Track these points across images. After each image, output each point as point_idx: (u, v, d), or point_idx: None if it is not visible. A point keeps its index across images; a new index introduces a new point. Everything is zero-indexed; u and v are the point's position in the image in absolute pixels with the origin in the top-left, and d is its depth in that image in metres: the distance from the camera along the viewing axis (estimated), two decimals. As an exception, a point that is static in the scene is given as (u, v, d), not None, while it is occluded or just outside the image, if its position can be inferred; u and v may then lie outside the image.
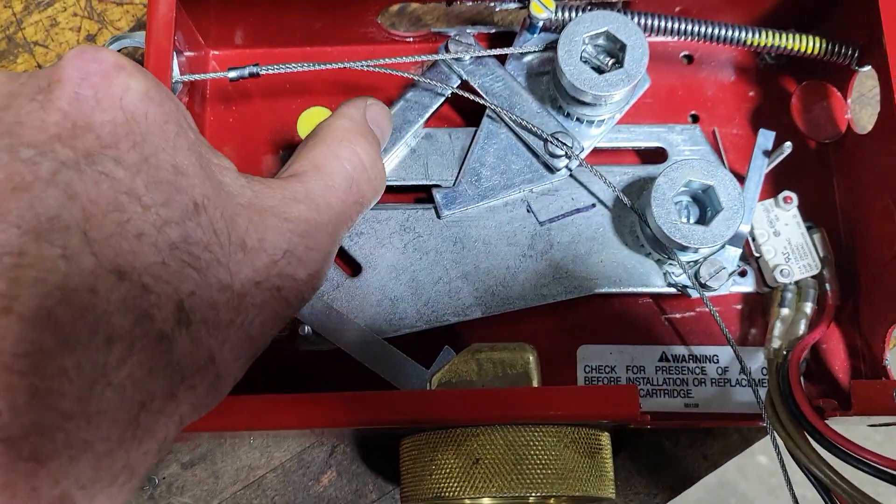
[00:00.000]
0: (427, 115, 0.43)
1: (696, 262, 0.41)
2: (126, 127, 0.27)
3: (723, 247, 0.40)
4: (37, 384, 0.22)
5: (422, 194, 0.45)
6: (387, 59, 0.42)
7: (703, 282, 0.40)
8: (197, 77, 0.42)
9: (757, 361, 0.43)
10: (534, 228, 0.43)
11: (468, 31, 0.46)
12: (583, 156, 0.43)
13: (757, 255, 0.42)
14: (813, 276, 0.42)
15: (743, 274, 0.42)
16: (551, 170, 0.42)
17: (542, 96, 0.43)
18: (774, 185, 0.45)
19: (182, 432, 0.28)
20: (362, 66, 0.42)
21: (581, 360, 0.44)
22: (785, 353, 0.40)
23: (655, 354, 0.44)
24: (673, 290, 0.42)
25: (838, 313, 0.42)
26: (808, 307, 0.41)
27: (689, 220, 0.41)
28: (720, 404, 0.43)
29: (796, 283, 0.42)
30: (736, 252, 0.41)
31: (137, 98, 0.27)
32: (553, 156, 0.42)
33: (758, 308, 0.44)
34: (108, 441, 0.23)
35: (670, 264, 0.41)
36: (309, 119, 0.39)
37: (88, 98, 0.26)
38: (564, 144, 0.41)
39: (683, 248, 0.39)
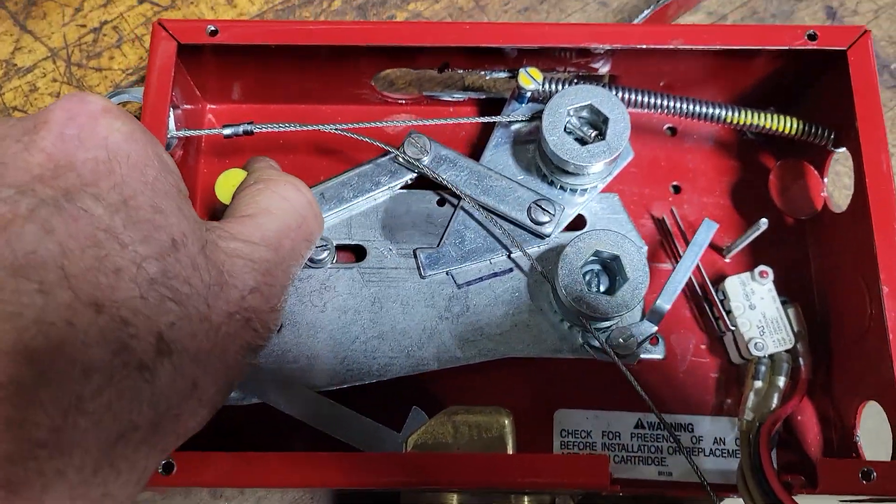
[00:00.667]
0: (361, 199, 0.44)
1: (606, 328, 0.41)
2: (108, 166, 0.28)
3: (642, 320, 0.41)
4: (11, 415, 0.23)
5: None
6: (361, 124, 0.43)
7: (614, 348, 0.41)
8: (192, 133, 0.43)
9: (728, 431, 0.44)
10: (452, 291, 0.44)
11: (459, 97, 0.48)
12: (565, 223, 0.44)
13: (732, 327, 0.43)
14: (787, 350, 0.42)
15: (654, 342, 0.42)
16: (541, 236, 0.43)
17: (527, 164, 0.45)
18: (751, 258, 0.46)
19: (151, 486, 0.28)
20: (351, 131, 0.43)
21: (558, 424, 0.44)
22: (758, 425, 0.41)
23: (631, 421, 0.44)
24: (583, 356, 0.42)
25: (811, 384, 0.43)
26: (781, 381, 0.42)
27: (598, 288, 0.42)
28: (693, 474, 0.43)
29: (770, 356, 0.42)
30: (651, 326, 0.41)
31: (122, 138, 0.29)
32: (537, 222, 0.43)
33: (732, 378, 0.45)
34: (82, 470, 0.24)
35: (580, 329, 0.42)
36: (227, 181, 0.40)
37: (72, 137, 0.28)
38: (547, 212, 0.43)
39: (591, 317, 0.40)
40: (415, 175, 0.44)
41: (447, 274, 0.44)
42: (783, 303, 0.43)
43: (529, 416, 0.44)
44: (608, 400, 0.44)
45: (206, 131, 0.43)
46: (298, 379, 0.42)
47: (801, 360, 0.42)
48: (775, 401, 0.42)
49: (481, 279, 0.44)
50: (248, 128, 0.43)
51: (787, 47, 0.41)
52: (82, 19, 0.53)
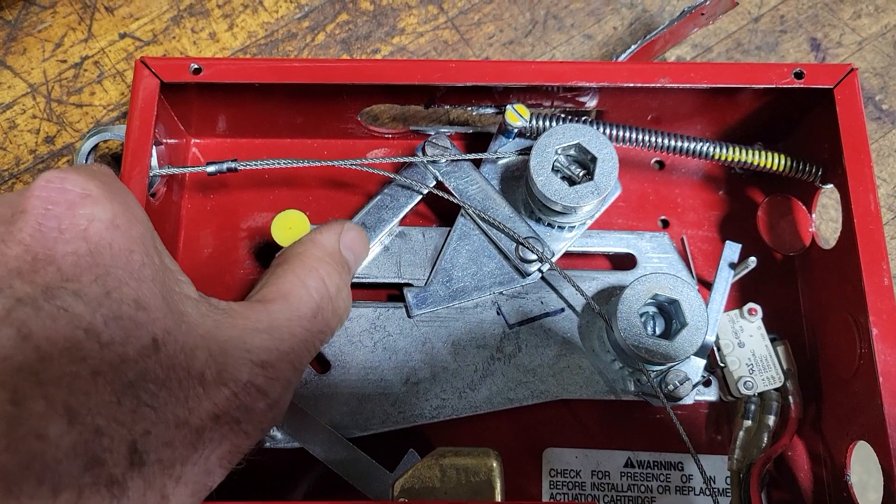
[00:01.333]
0: (402, 215, 0.44)
1: (660, 371, 0.41)
2: (90, 259, 0.26)
3: (688, 357, 0.41)
4: None
5: (394, 291, 0.45)
6: (366, 159, 0.43)
7: (667, 392, 0.40)
8: (175, 171, 0.42)
9: (718, 469, 0.43)
10: (503, 331, 0.43)
11: (444, 131, 0.47)
12: (553, 260, 0.43)
13: (722, 364, 0.43)
14: (776, 389, 0.42)
15: (707, 384, 0.43)
16: (522, 274, 0.43)
17: (515, 200, 0.44)
18: (740, 295, 0.46)
19: None
20: (341, 164, 0.43)
21: (546, 464, 0.44)
22: (748, 465, 0.41)
23: (621, 460, 0.44)
24: (637, 398, 0.42)
25: (800, 422, 0.43)
26: (771, 420, 0.42)
27: (654, 330, 0.41)
28: (683, 513, 0.43)
29: (760, 394, 0.42)
30: (701, 363, 0.41)
31: (103, 227, 0.27)
32: (524, 260, 0.42)
33: (723, 415, 0.44)
34: None
35: (635, 372, 0.42)
36: (283, 222, 0.40)
37: (52, 229, 0.26)
38: (535, 250, 0.42)
39: (648, 361, 0.40)
40: (428, 189, 0.44)
41: (498, 314, 0.43)
42: (772, 340, 0.43)
43: (518, 455, 0.43)
44: (598, 438, 0.44)
45: (190, 169, 0.42)
46: (349, 421, 0.41)
47: (790, 398, 0.42)
48: (765, 440, 0.41)
49: (533, 319, 0.43)
50: (232, 165, 0.42)
51: (773, 85, 0.41)
52: (63, 55, 0.52)
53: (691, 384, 0.40)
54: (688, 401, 0.41)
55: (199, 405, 0.28)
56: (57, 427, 0.23)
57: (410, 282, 0.44)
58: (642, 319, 0.40)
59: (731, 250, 0.43)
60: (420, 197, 0.44)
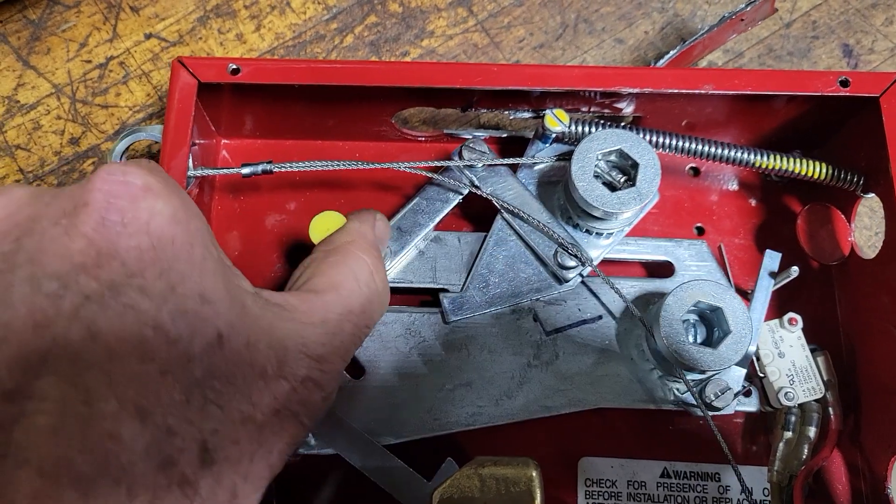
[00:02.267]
0: (437, 219, 0.43)
1: (701, 380, 0.41)
2: (153, 254, 0.26)
3: (729, 366, 0.40)
4: None
5: (427, 297, 0.45)
6: (402, 165, 0.42)
7: (708, 401, 0.40)
8: (211, 172, 0.41)
9: (756, 480, 0.43)
10: (539, 338, 0.43)
11: (480, 135, 0.47)
12: (588, 271, 0.43)
13: (761, 374, 0.42)
14: (816, 400, 0.42)
15: (748, 394, 0.42)
16: (560, 280, 0.42)
17: (552, 206, 0.44)
18: (779, 305, 0.45)
19: None
20: (379, 166, 0.42)
21: (582, 473, 0.43)
22: (789, 477, 0.40)
23: (657, 470, 0.43)
24: (676, 407, 0.41)
25: (840, 434, 0.42)
26: (812, 431, 0.41)
27: (695, 338, 0.41)
28: (721, 526, 0.42)
29: (800, 405, 0.42)
30: (741, 372, 0.41)
31: (165, 222, 0.27)
32: (563, 267, 0.42)
33: (760, 425, 0.44)
34: None
35: (674, 381, 0.41)
36: (321, 224, 0.39)
37: (115, 223, 0.26)
38: (576, 256, 0.42)
39: (690, 369, 0.39)
40: (464, 194, 0.43)
41: (535, 320, 0.43)
42: (812, 350, 0.42)
43: (553, 464, 0.43)
44: (633, 448, 0.44)
45: (225, 170, 0.42)
46: (383, 428, 0.41)
47: (830, 410, 0.42)
48: (806, 452, 0.41)
49: (570, 326, 0.43)
50: (268, 167, 0.42)
51: (819, 93, 0.40)
52: (87, 55, 0.51)
53: (732, 394, 0.40)
54: (728, 411, 0.41)
55: (261, 400, 0.28)
56: (130, 428, 0.23)
57: (446, 287, 0.43)
58: (684, 326, 0.39)
59: (772, 259, 0.42)
60: (457, 201, 0.44)
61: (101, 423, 0.22)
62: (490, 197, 0.43)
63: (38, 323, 0.23)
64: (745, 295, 0.45)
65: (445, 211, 0.44)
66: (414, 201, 0.44)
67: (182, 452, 0.24)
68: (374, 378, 0.42)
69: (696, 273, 0.44)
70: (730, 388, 0.40)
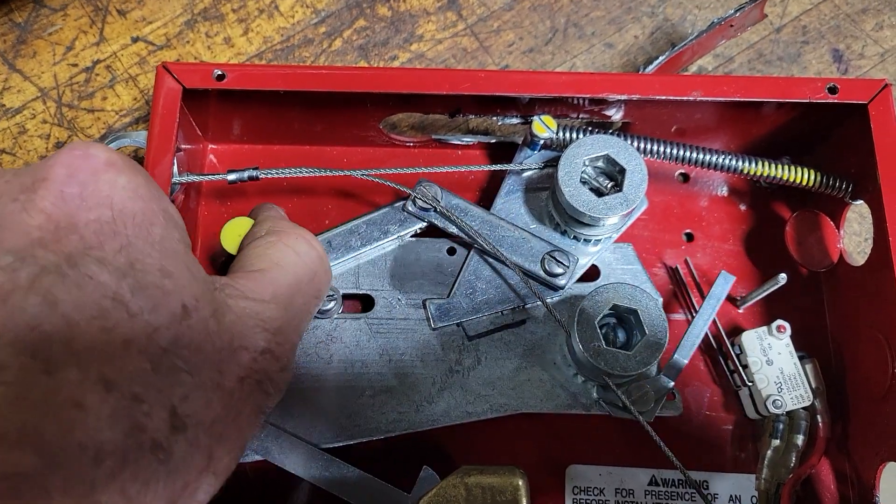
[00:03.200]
0: (369, 247, 0.43)
1: (621, 384, 0.40)
2: (112, 227, 0.26)
3: (658, 373, 0.40)
4: None
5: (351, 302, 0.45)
6: (386, 169, 0.42)
7: (629, 404, 0.39)
8: (196, 178, 0.41)
9: (743, 488, 0.42)
10: (462, 343, 0.42)
11: (468, 140, 0.47)
12: (579, 273, 0.43)
13: (749, 382, 0.42)
14: (804, 408, 0.41)
15: (671, 398, 0.41)
16: (553, 288, 0.42)
17: (540, 212, 0.44)
18: (765, 309, 0.45)
19: None
20: (362, 174, 0.42)
21: (570, 481, 0.43)
22: (777, 484, 0.40)
23: (645, 478, 0.43)
24: (601, 411, 0.41)
25: (828, 441, 0.42)
26: (800, 439, 0.41)
27: (614, 342, 0.40)
28: (709, 533, 0.42)
29: (788, 413, 0.41)
30: (668, 382, 0.40)
31: (126, 196, 0.27)
32: (552, 274, 0.42)
33: (747, 433, 0.44)
34: None
35: (593, 385, 0.41)
36: (232, 230, 0.39)
37: (74, 196, 0.26)
38: (562, 263, 0.41)
39: (608, 373, 0.39)
40: (425, 224, 0.43)
41: (458, 325, 0.42)
42: (800, 358, 0.42)
43: (541, 472, 0.43)
44: (621, 455, 0.43)
45: (210, 177, 0.41)
46: (304, 435, 0.40)
47: (819, 417, 0.42)
48: (794, 459, 0.41)
49: (493, 331, 0.42)
50: (254, 174, 0.42)
51: (808, 100, 0.40)
52: (74, 58, 0.51)
53: (653, 398, 0.39)
54: (648, 417, 0.40)
55: (228, 368, 0.29)
56: (93, 395, 0.23)
57: (368, 293, 0.43)
58: (602, 331, 0.39)
59: (725, 280, 0.41)
60: (396, 236, 0.43)
61: (63, 390, 0.22)
62: (459, 235, 0.42)
63: None
64: (734, 301, 0.45)
65: (381, 242, 0.43)
66: (353, 223, 0.43)
67: (149, 418, 0.24)
68: (295, 384, 0.41)
69: (622, 277, 0.44)
70: (649, 392, 0.39)
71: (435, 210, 0.42)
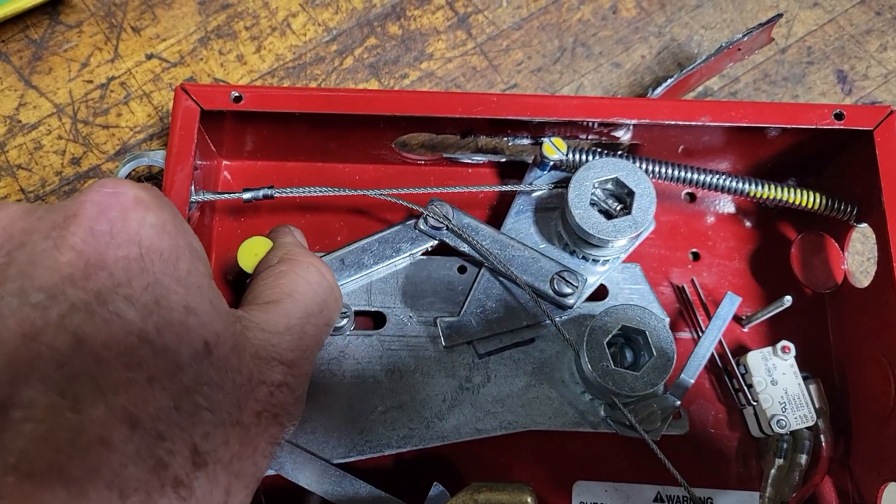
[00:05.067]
0: (382, 265, 0.44)
1: (629, 403, 0.40)
2: (140, 264, 0.27)
3: (665, 392, 0.41)
4: None
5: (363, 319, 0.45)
6: (400, 189, 0.43)
7: (636, 424, 0.40)
8: (212, 197, 0.42)
9: (748, 505, 0.43)
10: (472, 360, 0.43)
11: (478, 160, 0.47)
12: (587, 293, 0.43)
13: (754, 401, 0.43)
14: (808, 428, 0.42)
15: (677, 416, 0.42)
16: (562, 307, 0.43)
17: (549, 232, 0.44)
18: (769, 329, 0.46)
19: None
20: (376, 193, 0.43)
21: (576, 496, 0.43)
22: (781, 503, 0.41)
23: (650, 494, 0.44)
24: (608, 429, 0.42)
25: (831, 461, 0.43)
26: (803, 459, 0.42)
27: (622, 362, 0.41)
28: (714, 550, 0.43)
29: (791, 433, 0.42)
30: (675, 402, 0.41)
31: (154, 233, 0.28)
32: (561, 294, 0.42)
33: (751, 450, 0.44)
34: None
35: (602, 403, 0.42)
36: (249, 249, 0.39)
37: (103, 234, 0.26)
38: (571, 283, 0.42)
39: (616, 393, 0.39)
40: (436, 242, 0.44)
41: (468, 343, 0.43)
42: (804, 378, 0.43)
43: (548, 487, 0.43)
44: (627, 472, 0.44)
45: (227, 195, 0.42)
46: (316, 450, 0.41)
47: (822, 437, 0.42)
48: (797, 478, 0.42)
49: (503, 349, 0.43)
50: (269, 192, 0.42)
51: (814, 126, 0.41)
52: (89, 75, 0.52)
53: (659, 416, 0.40)
54: (654, 435, 0.41)
55: (246, 404, 0.29)
56: (119, 432, 0.24)
57: (381, 310, 0.44)
58: (610, 350, 0.40)
59: (731, 301, 0.42)
60: (408, 253, 0.44)
61: (90, 428, 0.23)
62: (470, 254, 0.43)
63: (25, 333, 0.24)
64: (739, 320, 0.46)
65: (393, 259, 0.44)
66: (366, 241, 0.44)
67: (173, 455, 0.25)
68: (308, 400, 0.41)
69: (629, 297, 0.44)
70: (656, 411, 0.40)
71: (447, 228, 0.43)
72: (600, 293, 0.45)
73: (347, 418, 0.42)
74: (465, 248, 0.43)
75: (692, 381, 0.41)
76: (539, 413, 0.42)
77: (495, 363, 0.43)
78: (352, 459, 0.41)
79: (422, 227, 0.43)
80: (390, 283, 0.44)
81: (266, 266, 0.37)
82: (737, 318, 0.46)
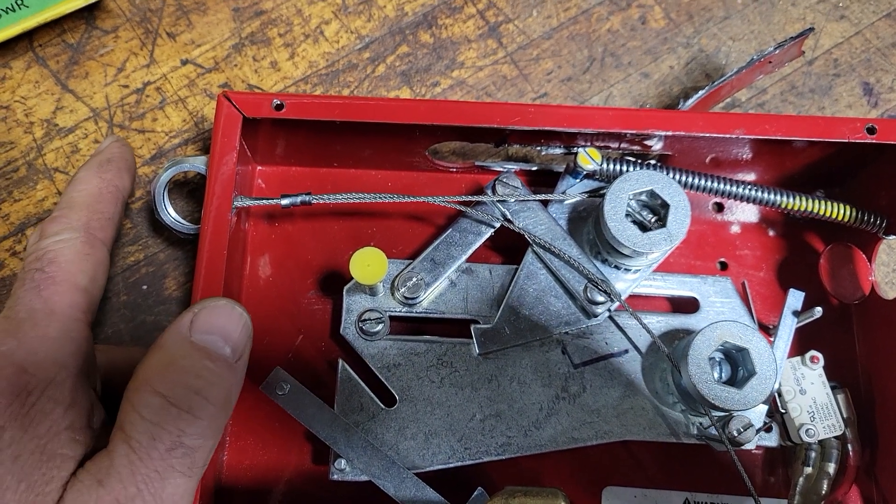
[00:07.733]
0: (470, 251, 0.44)
1: (723, 416, 0.42)
2: None
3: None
4: None
5: (460, 328, 0.46)
6: (438, 199, 0.43)
7: (731, 437, 0.41)
8: (253, 203, 0.43)
9: (776, 513, 0.44)
10: (568, 370, 0.44)
11: (510, 168, 0.48)
12: (615, 306, 0.44)
13: (782, 410, 0.43)
14: (836, 437, 0.43)
15: (768, 430, 0.43)
16: (589, 315, 0.44)
17: (581, 240, 0.45)
18: (801, 342, 0.46)
19: None
20: (413, 199, 0.43)
21: (606, 502, 0.44)
22: (809, 511, 0.41)
23: (678, 500, 0.44)
24: (699, 441, 0.43)
25: (858, 469, 0.43)
26: (831, 467, 0.42)
27: (720, 376, 0.42)
28: (742, 557, 0.43)
29: (819, 442, 0.43)
30: (763, 408, 0.42)
31: None
32: (592, 302, 0.43)
33: (778, 458, 0.45)
34: None
35: (696, 415, 0.42)
36: (361, 260, 0.40)
37: None
38: (605, 292, 0.43)
39: (715, 407, 0.40)
40: (497, 226, 0.45)
41: (563, 353, 0.44)
42: (833, 388, 0.43)
43: (577, 492, 0.44)
44: (656, 478, 0.45)
45: (265, 201, 0.43)
46: (416, 456, 0.42)
47: (849, 446, 0.43)
48: (825, 487, 0.42)
49: (598, 359, 0.44)
50: (307, 198, 0.43)
51: (846, 140, 0.42)
52: (125, 79, 0.52)
53: (754, 430, 0.41)
54: (749, 446, 0.42)
55: None
56: None
57: (477, 318, 0.44)
58: (710, 364, 0.40)
59: (795, 298, 0.43)
60: (489, 234, 0.45)
61: None
62: (522, 231, 0.44)
63: None
64: (767, 329, 0.46)
65: (477, 244, 0.45)
66: (447, 233, 0.45)
67: None
68: (407, 407, 0.43)
69: (720, 310, 0.45)
70: (752, 425, 0.41)
71: (514, 200, 0.44)
72: (690, 305, 0.45)
73: (447, 425, 0.42)
74: (520, 226, 0.44)
75: (777, 385, 0.42)
76: (634, 424, 0.43)
77: (590, 373, 0.44)
78: (452, 465, 0.42)
79: (488, 193, 0.44)
80: (486, 292, 0.45)
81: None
82: (765, 328, 0.46)
